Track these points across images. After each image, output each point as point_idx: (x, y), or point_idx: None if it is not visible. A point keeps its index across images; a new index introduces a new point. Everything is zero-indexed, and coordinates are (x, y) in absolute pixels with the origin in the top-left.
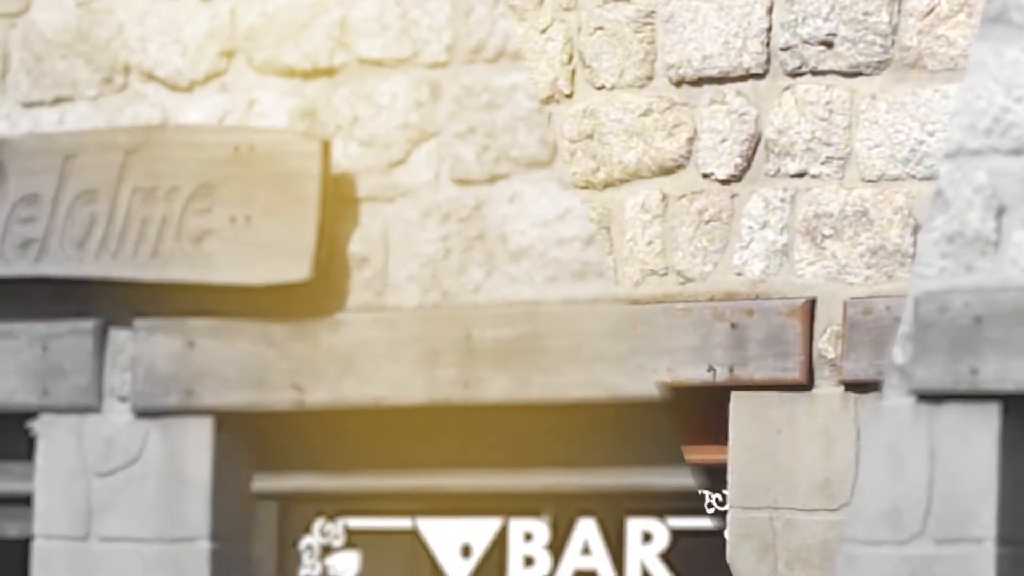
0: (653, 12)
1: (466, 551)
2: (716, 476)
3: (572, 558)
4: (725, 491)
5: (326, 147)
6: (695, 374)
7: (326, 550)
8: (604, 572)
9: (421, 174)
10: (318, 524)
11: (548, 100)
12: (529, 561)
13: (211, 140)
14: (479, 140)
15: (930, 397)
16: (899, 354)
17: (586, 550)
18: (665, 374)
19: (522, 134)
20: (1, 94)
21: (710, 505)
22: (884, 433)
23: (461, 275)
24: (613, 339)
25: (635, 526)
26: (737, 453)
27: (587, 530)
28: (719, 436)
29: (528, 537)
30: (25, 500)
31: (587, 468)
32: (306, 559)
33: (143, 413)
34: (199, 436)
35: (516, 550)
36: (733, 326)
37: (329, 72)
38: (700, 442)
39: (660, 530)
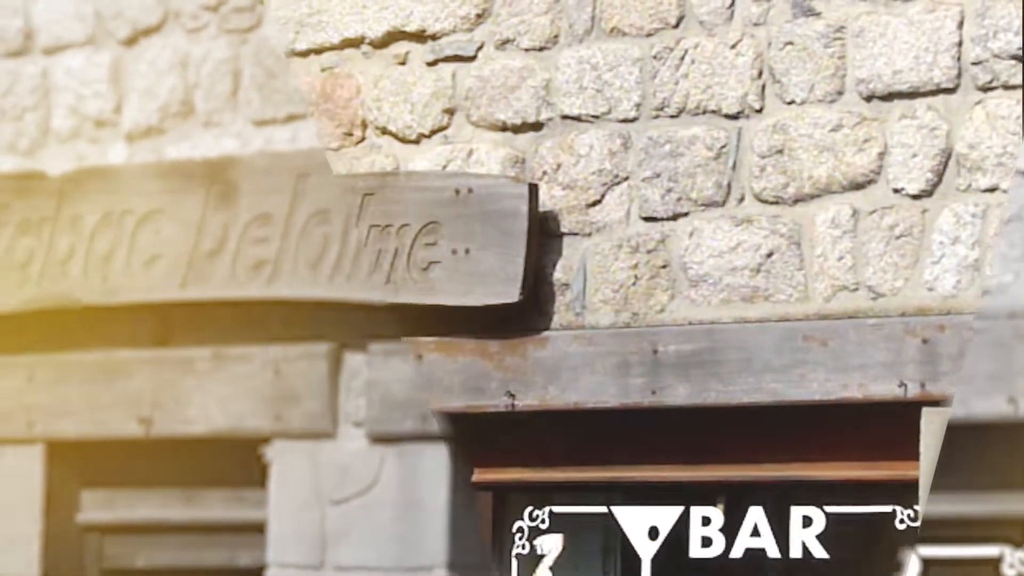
0: (843, 27)
1: (653, 533)
2: (907, 492)
3: (743, 540)
4: (916, 507)
5: (533, 190)
6: (886, 389)
7: (535, 532)
8: (771, 552)
9: (614, 212)
10: (527, 510)
11: (738, 115)
12: (707, 542)
13: (436, 184)
14: (663, 183)
15: None
16: None
17: (755, 533)
18: (856, 389)
19: (700, 178)
20: (232, 112)
21: (901, 521)
22: None
23: (649, 298)
24: (777, 353)
25: (797, 512)
26: (928, 469)
27: (756, 515)
28: (910, 452)
29: (706, 522)
30: (258, 528)
31: (757, 463)
32: (517, 539)
33: (379, 439)
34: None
35: (696, 532)
36: (925, 341)
37: (536, 126)
38: (891, 458)
39: (819, 515)
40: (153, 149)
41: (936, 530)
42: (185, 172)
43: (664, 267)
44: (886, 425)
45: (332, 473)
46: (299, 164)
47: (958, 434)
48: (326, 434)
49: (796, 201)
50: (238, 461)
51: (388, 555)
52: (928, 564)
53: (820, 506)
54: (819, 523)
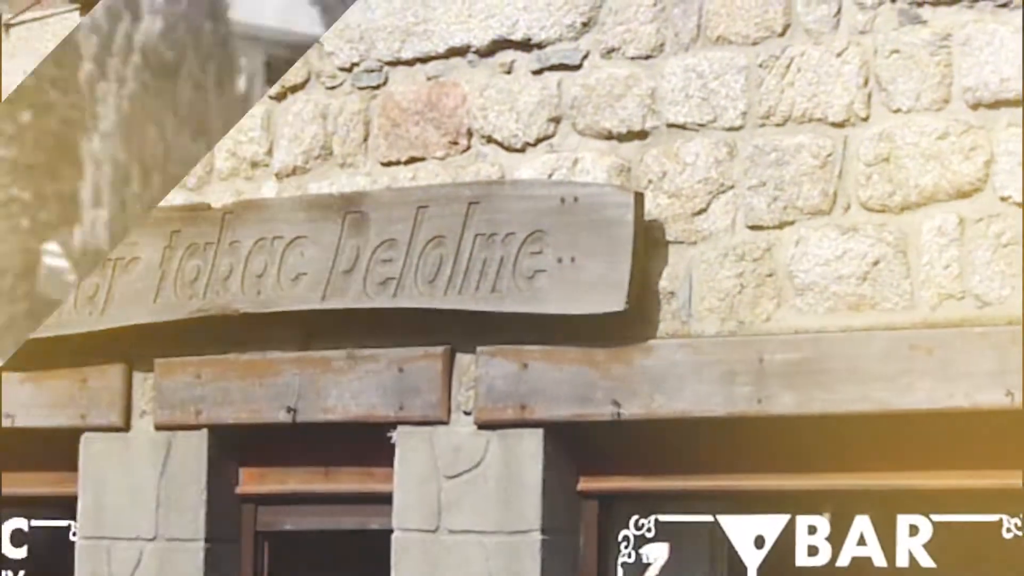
0: (949, 35)
1: (759, 542)
2: (1014, 500)
3: (850, 548)
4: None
5: (639, 199)
6: (993, 398)
7: (641, 540)
8: (877, 561)
9: (720, 221)
10: (633, 519)
11: (844, 123)
12: (813, 550)
13: (541, 193)
14: (769, 192)
15: None
16: None
17: (861, 541)
18: (963, 398)
19: (806, 187)
20: (363, 155)
21: (1008, 530)
22: None
23: (755, 307)
24: (883, 361)
25: (903, 521)
26: None
27: (862, 524)
28: (1017, 460)
29: (812, 530)
30: (386, 499)
31: (863, 471)
32: (623, 548)
33: (484, 426)
34: (532, 444)
35: (802, 541)
36: None
37: (641, 135)
38: (997, 466)
39: (925, 524)
40: (298, 186)
41: None
42: (324, 204)
43: (770, 275)
44: (992, 434)
45: (446, 454)
46: (418, 198)
47: None
48: (441, 421)
49: (902, 209)
50: (368, 443)
51: (492, 520)
52: None
53: (926, 515)
54: (926, 532)
